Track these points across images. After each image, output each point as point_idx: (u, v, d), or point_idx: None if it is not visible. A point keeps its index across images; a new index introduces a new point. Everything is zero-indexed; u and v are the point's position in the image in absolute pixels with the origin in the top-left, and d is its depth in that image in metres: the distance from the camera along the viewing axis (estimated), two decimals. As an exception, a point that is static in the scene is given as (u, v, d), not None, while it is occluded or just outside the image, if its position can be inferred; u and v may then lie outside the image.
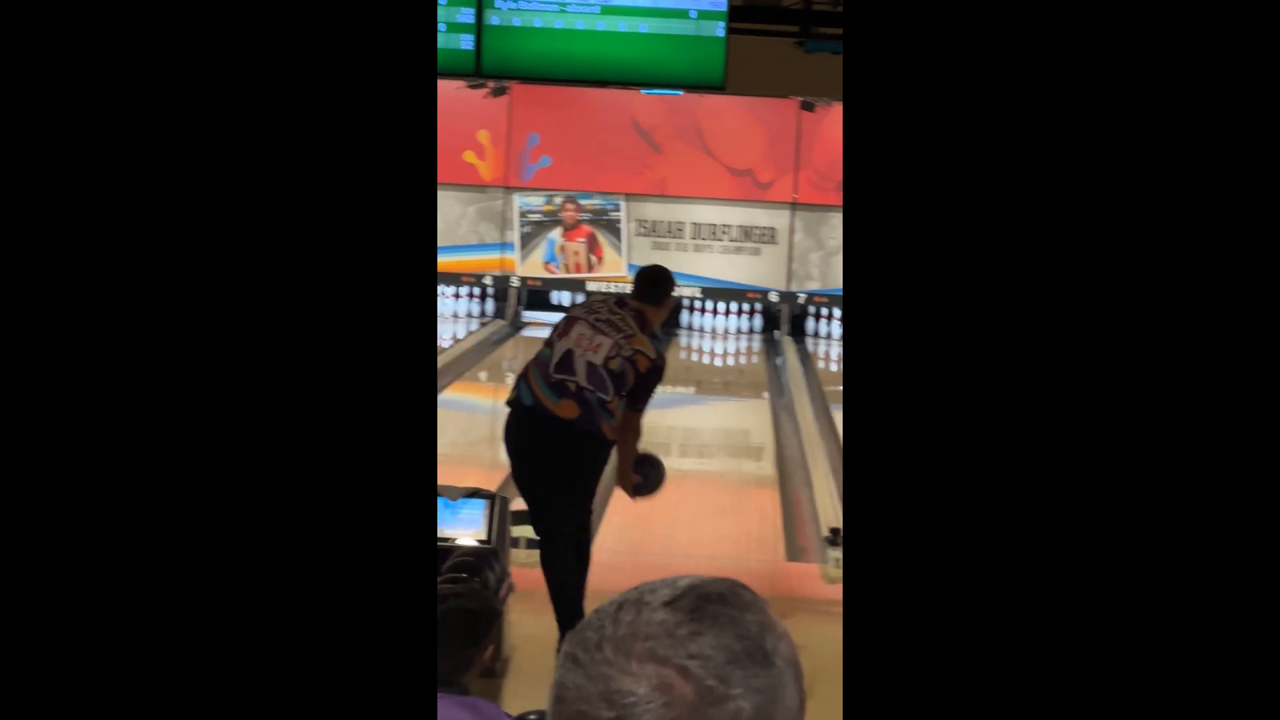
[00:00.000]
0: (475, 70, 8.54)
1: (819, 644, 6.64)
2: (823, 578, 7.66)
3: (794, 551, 8.22)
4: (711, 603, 1.45)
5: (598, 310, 6.13)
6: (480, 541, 6.01)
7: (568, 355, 5.96)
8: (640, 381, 5.99)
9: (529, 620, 6.67)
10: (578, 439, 5.95)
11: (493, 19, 8.44)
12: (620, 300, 6.26)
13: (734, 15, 8.87)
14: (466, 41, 8.45)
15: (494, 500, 6.11)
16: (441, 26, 8.37)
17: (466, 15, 8.49)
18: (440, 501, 5.94)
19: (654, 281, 6.30)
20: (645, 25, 8.44)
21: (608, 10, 8.48)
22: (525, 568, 7.74)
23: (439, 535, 5.82)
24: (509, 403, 6.14)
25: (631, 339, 6.01)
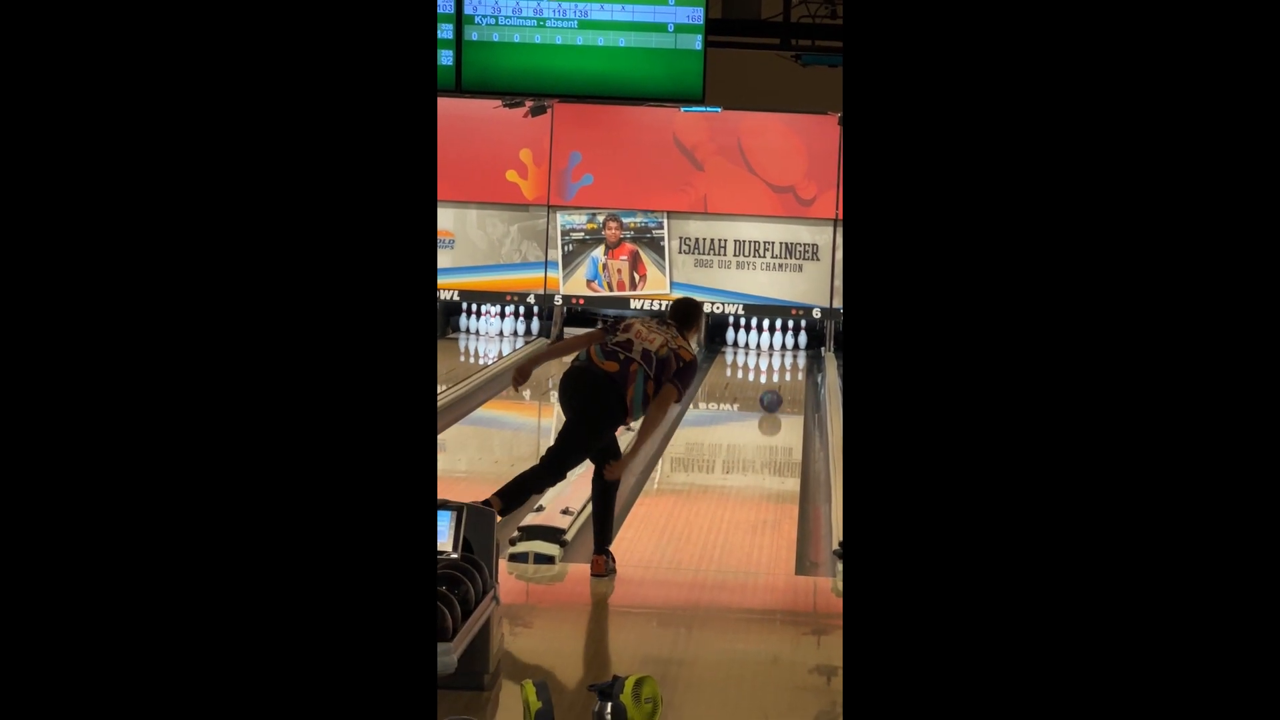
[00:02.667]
0: (455, 86, 8.56)
1: (821, 657, 6.64)
2: (832, 591, 7.67)
3: (805, 566, 8.22)
4: None
5: (649, 321, 7.95)
6: (447, 553, 5.96)
7: (628, 341, 7.70)
8: (684, 367, 7.78)
9: (516, 634, 6.69)
10: (606, 387, 7.63)
11: (472, 35, 8.47)
12: (663, 320, 8.01)
13: (712, 29, 8.84)
14: (446, 57, 8.50)
15: (461, 511, 6.06)
16: (420, 43, 8.43)
17: (446, 31, 8.53)
18: None
19: (689, 310, 8.11)
20: (623, 39, 8.46)
21: (585, 25, 8.50)
22: (531, 582, 7.75)
23: None
24: (573, 363, 7.80)
25: (677, 338, 7.86)
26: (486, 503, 7.42)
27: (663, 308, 16.34)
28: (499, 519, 7.52)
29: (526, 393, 14.11)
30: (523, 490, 7.69)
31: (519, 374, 8.01)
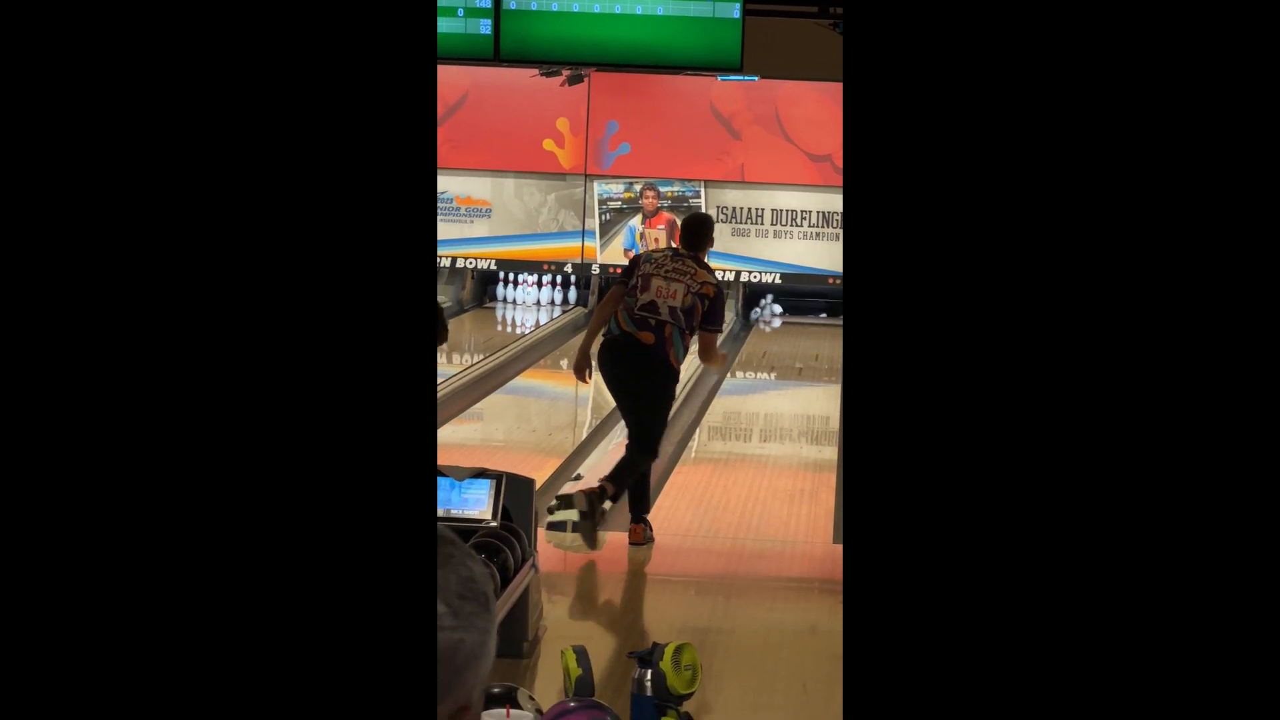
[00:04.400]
0: (494, 55, 8.53)
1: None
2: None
3: (843, 534, 8.25)
4: (444, 545, 1.63)
5: (663, 264, 7.92)
6: (486, 521, 5.99)
7: (651, 303, 7.74)
8: (711, 306, 7.86)
9: (554, 602, 6.73)
10: (650, 359, 7.74)
11: (510, 3, 8.46)
12: (675, 253, 8.04)
13: (750, -4, 8.82)
14: (485, 26, 8.48)
15: (501, 480, 6.10)
16: (459, 12, 8.40)
17: (484, 0, 8.51)
18: (447, 482, 5.97)
19: (699, 229, 8.17)
20: (662, 8, 8.45)
21: (623, -8, 8.49)
22: (569, 550, 7.78)
23: (451, 516, 5.87)
24: (604, 336, 7.94)
25: (695, 276, 7.86)
26: (602, 488, 7.69)
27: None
28: (609, 504, 7.70)
29: (564, 361, 14.15)
30: (627, 473, 7.82)
31: (579, 371, 8.14)
